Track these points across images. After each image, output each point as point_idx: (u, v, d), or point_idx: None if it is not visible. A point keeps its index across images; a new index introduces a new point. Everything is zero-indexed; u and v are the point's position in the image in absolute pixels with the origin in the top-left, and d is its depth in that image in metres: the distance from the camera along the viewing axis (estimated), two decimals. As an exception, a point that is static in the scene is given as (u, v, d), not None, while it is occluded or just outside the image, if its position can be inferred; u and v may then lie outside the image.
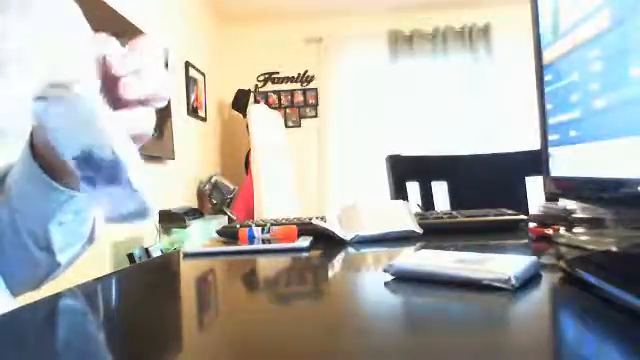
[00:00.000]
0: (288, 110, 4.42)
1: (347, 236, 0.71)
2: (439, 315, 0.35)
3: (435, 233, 0.75)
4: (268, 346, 0.30)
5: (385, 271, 0.44)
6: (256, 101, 4.00)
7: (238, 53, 4.31)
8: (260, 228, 0.75)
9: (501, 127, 4.08)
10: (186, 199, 3.26)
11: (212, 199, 3.55)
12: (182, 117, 3.28)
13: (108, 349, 0.32)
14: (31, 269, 0.52)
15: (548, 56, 0.51)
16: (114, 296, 0.50)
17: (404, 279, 0.43)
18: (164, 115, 2.88)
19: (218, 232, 0.82)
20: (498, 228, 0.77)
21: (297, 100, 4.44)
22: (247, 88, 4.04)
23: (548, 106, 0.52)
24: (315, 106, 4.42)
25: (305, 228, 0.74)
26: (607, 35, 0.39)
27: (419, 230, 0.74)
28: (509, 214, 0.80)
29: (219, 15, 4.16)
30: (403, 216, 0.76)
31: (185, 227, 2.70)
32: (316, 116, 4.41)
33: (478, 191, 1.24)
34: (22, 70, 0.29)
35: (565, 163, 0.49)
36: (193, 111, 3.50)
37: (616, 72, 0.38)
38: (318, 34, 4.32)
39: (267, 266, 0.62)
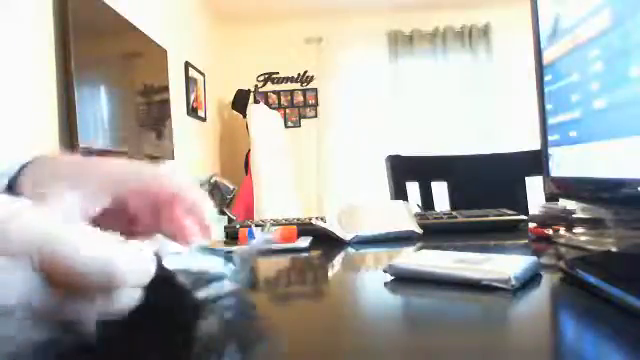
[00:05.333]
0: (288, 110, 4.42)
1: (347, 236, 0.71)
2: (439, 315, 0.35)
3: (435, 233, 0.75)
4: (268, 346, 0.30)
5: (385, 271, 0.44)
6: (256, 101, 4.00)
7: (238, 53, 4.31)
8: (260, 228, 0.75)
9: (501, 127, 4.08)
10: (186, 199, 3.25)
11: (212, 199, 3.54)
12: (182, 117, 3.28)
13: (107, 349, 0.32)
14: None
15: (548, 56, 0.51)
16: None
17: (404, 279, 0.43)
18: (164, 115, 2.89)
19: (218, 232, 0.82)
20: (498, 228, 0.77)
21: (297, 100, 4.44)
22: (247, 88, 4.04)
23: (548, 106, 0.52)
24: (315, 106, 4.42)
25: (305, 228, 0.74)
26: (607, 35, 0.39)
27: (419, 230, 0.74)
28: (509, 214, 0.80)
29: (219, 15, 4.16)
30: (403, 216, 0.76)
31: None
32: (316, 116, 4.41)
33: (478, 191, 1.24)
34: None
35: (565, 163, 0.49)
36: (193, 111, 3.50)
37: (616, 72, 0.38)
38: (318, 34, 4.32)
39: (267, 266, 0.62)
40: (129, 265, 0.25)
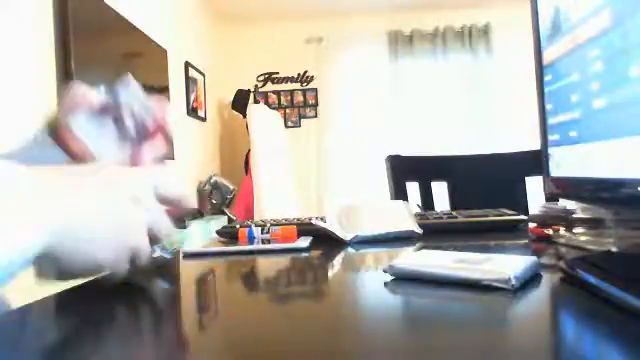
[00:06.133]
0: (288, 110, 4.42)
1: (347, 236, 0.71)
2: (439, 315, 0.35)
3: (435, 233, 0.75)
4: (268, 346, 0.30)
5: (385, 271, 0.44)
6: (256, 101, 4.00)
7: (238, 53, 4.31)
8: (260, 228, 0.75)
9: (501, 127, 4.09)
10: (186, 199, 3.25)
11: (212, 199, 3.55)
12: (182, 117, 3.28)
13: (108, 349, 0.32)
14: None
15: (548, 56, 0.51)
16: (113, 296, 0.50)
17: (404, 279, 0.43)
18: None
19: (218, 232, 0.82)
20: (498, 228, 0.77)
21: (297, 100, 4.44)
22: (247, 88, 4.04)
23: (548, 106, 0.52)
24: (315, 106, 4.42)
25: (305, 228, 0.74)
26: (607, 35, 0.39)
27: (419, 230, 0.74)
28: (509, 214, 0.80)
29: (219, 15, 4.16)
30: (403, 216, 0.76)
31: (185, 227, 2.70)
32: (316, 116, 4.41)
33: (478, 191, 1.24)
34: None
35: (565, 163, 0.49)
36: (193, 111, 3.50)
37: (616, 72, 0.38)
38: (318, 34, 4.32)
39: (267, 266, 0.62)
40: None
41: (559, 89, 0.49)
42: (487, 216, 0.80)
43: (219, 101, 4.18)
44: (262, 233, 0.74)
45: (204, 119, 3.77)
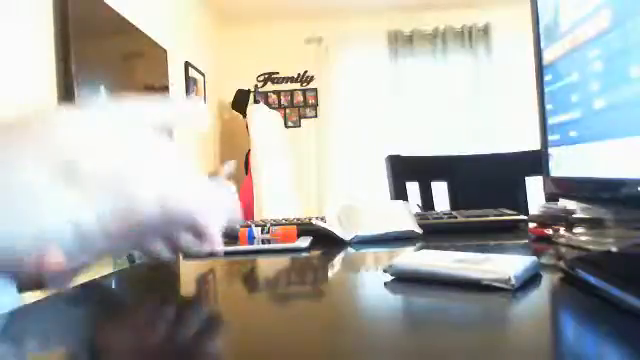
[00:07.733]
0: (288, 110, 4.42)
1: (347, 236, 0.71)
2: (439, 315, 0.35)
3: (435, 233, 0.75)
4: (268, 346, 0.30)
5: (385, 271, 0.44)
6: (256, 101, 3.99)
7: (238, 53, 4.30)
8: (260, 228, 0.75)
9: (501, 127, 4.08)
10: (186, 199, 3.25)
11: (212, 199, 3.54)
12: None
13: (108, 350, 0.32)
14: None
15: (548, 56, 0.51)
16: (114, 296, 0.50)
17: (404, 279, 0.43)
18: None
19: (218, 232, 0.82)
20: (498, 228, 0.77)
21: (297, 100, 4.43)
22: (247, 88, 4.04)
23: (548, 106, 0.52)
24: (315, 106, 4.42)
25: (305, 228, 0.74)
26: (607, 35, 0.39)
27: (419, 230, 0.74)
28: (509, 214, 0.80)
29: (219, 15, 4.16)
30: (403, 216, 0.76)
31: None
32: (316, 116, 4.41)
33: (478, 191, 1.24)
34: None
35: (565, 163, 0.49)
36: (193, 111, 3.50)
37: (616, 72, 0.38)
38: (318, 34, 4.32)
39: (267, 266, 0.62)
40: None
41: (559, 89, 0.49)
42: (487, 216, 0.80)
43: (219, 101, 4.18)
44: (262, 233, 0.74)
45: (204, 119, 3.76)
